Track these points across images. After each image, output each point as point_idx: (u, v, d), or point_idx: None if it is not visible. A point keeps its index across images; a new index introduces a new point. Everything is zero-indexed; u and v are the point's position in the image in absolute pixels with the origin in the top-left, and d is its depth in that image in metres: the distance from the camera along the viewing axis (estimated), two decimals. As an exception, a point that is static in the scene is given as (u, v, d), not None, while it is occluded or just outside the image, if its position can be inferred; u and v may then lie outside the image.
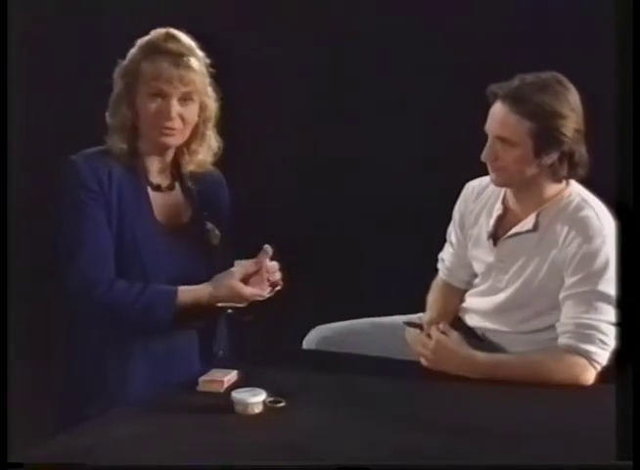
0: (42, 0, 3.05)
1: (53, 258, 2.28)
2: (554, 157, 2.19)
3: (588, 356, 2.12)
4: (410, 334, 2.32)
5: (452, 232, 2.50)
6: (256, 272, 2.20)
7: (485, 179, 2.39)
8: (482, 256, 2.37)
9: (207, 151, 2.33)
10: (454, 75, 3.02)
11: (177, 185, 2.34)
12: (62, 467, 1.65)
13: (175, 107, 2.20)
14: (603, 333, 2.12)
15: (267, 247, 2.22)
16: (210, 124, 2.31)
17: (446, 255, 2.54)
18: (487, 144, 2.23)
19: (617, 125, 1.75)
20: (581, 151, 2.20)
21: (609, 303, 2.12)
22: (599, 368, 2.13)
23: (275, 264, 2.22)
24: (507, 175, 2.24)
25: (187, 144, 2.30)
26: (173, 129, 2.22)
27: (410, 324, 2.34)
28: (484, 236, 2.36)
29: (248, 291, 2.19)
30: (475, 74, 2.93)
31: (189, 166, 2.32)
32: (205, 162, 2.34)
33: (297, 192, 3.10)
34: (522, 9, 2.95)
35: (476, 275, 2.44)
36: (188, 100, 2.22)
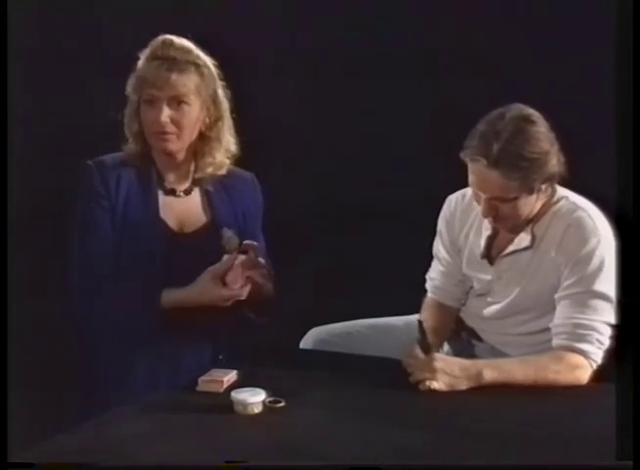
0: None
1: (54, 257, 2.30)
2: (547, 183, 2.18)
3: (586, 356, 2.12)
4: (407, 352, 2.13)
5: (441, 250, 2.46)
6: (230, 268, 2.19)
7: (467, 194, 2.37)
8: (479, 274, 2.36)
9: (224, 153, 2.34)
10: (455, 76, 3.02)
11: (196, 190, 2.35)
12: (62, 467, 1.65)
13: (165, 111, 2.21)
14: (599, 332, 2.12)
15: (248, 242, 2.22)
16: (221, 126, 2.31)
17: (435, 273, 2.49)
18: (484, 204, 2.19)
19: (616, 130, 1.75)
20: (562, 160, 2.19)
21: (605, 301, 2.12)
22: (595, 367, 2.13)
23: (252, 260, 2.21)
24: (511, 222, 2.23)
25: (201, 147, 2.31)
26: (166, 134, 2.23)
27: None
28: (478, 256, 2.35)
29: (223, 291, 2.19)
30: (475, 76, 2.96)
31: (207, 169, 2.33)
32: (222, 163, 2.35)
33: (296, 192, 3.10)
34: (522, 9, 2.95)
35: (467, 293, 2.42)
36: (181, 103, 2.23)
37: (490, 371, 2.07)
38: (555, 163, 2.16)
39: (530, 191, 2.16)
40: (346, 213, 3.19)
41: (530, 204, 2.19)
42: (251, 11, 3.13)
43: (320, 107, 3.17)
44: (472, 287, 2.40)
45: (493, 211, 2.19)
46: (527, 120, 2.15)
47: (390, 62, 3.11)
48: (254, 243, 2.23)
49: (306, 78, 3.17)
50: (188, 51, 2.24)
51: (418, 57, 3.06)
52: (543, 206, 2.24)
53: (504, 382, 2.06)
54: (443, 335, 2.39)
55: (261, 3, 3.15)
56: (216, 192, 2.36)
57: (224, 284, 2.19)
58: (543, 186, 2.17)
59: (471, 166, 2.17)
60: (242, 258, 2.20)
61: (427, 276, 2.52)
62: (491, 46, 2.95)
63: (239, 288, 2.20)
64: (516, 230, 2.26)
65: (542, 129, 2.15)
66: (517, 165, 2.11)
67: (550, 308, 2.20)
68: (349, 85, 3.15)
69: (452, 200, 2.44)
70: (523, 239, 2.26)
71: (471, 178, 2.19)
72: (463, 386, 2.05)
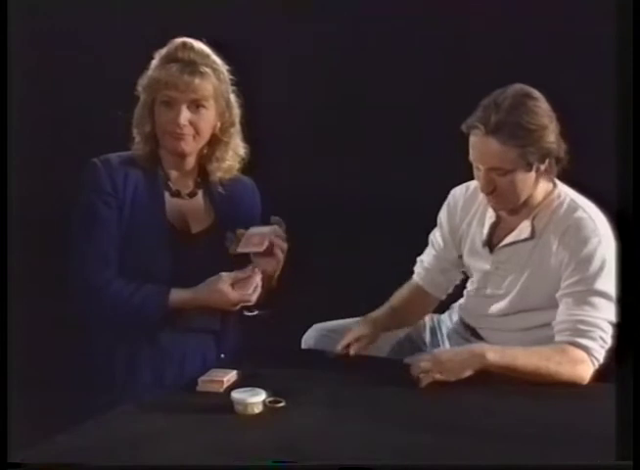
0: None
1: (55, 256, 2.30)
2: (546, 163, 2.20)
3: (589, 352, 2.12)
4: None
5: (437, 236, 2.49)
6: (246, 279, 2.21)
7: (471, 186, 2.40)
8: (478, 264, 2.37)
9: (234, 157, 2.35)
10: (455, 74, 3.03)
11: (200, 192, 2.36)
12: (62, 467, 1.65)
13: (184, 113, 2.22)
14: (602, 330, 2.13)
15: (278, 219, 2.26)
16: (233, 131, 2.32)
17: (426, 256, 2.52)
18: (482, 177, 2.21)
19: (616, 128, 1.75)
20: (562, 146, 2.21)
21: (607, 300, 2.13)
22: (597, 365, 2.14)
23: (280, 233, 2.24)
24: (507, 200, 2.25)
25: (212, 151, 2.32)
26: (183, 135, 2.23)
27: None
28: (479, 244, 2.36)
29: (233, 296, 2.20)
30: (475, 75, 2.96)
31: (217, 173, 2.34)
32: (231, 168, 2.36)
33: (295, 191, 3.10)
34: (522, 9, 2.95)
35: (451, 285, 2.47)
36: (200, 107, 2.24)
37: (493, 353, 2.09)
38: (553, 139, 2.19)
39: (528, 167, 2.18)
40: (347, 212, 3.19)
41: (528, 183, 2.21)
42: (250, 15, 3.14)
43: (319, 107, 3.17)
44: (465, 286, 2.41)
45: (491, 186, 2.21)
46: (528, 96, 2.19)
47: (391, 64, 3.12)
48: (278, 218, 2.26)
49: (305, 80, 3.18)
50: (207, 55, 2.25)
51: (419, 56, 3.07)
52: (544, 199, 2.25)
53: (506, 366, 2.08)
54: (408, 318, 2.44)
55: (260, 5, 3.15)
56: (219, 195, 2.37)
57: (233, 288, 2.20)
58: (542, 166, 2.19)
59: (471, 139, 2.20)
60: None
61: (418, 259, 2.56)
62: (491, 45, 2.95)
63: (249, 293, 2.21)
64: (515, 213, 2.27)
65: (542, 105, 2.19)
66: (514, 134, 2.14)
67: (550, 305, 2.21)
68: (349, 86, 3.15)
69: (456, 191, 2.48)
70: (523, 231, 2.27)
71: (470, 152, 2.21)
72: (467, 371, 2.06)
